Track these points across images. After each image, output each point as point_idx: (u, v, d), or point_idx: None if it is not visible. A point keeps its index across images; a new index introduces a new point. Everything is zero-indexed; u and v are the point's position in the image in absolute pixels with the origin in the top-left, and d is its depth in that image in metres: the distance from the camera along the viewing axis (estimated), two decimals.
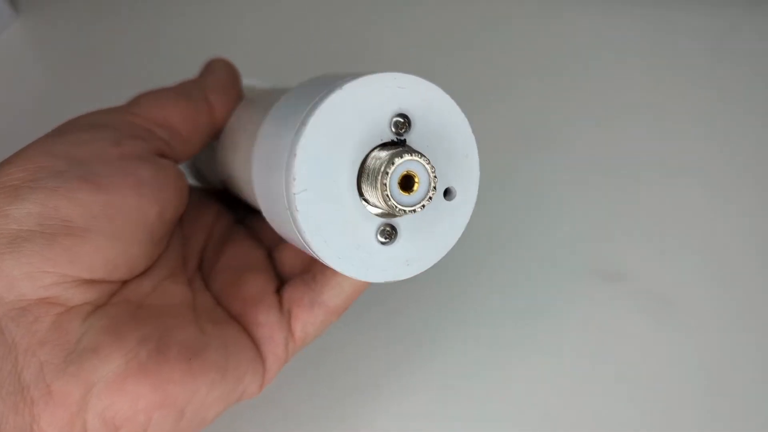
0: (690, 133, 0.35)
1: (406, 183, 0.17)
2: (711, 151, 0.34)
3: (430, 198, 0.17)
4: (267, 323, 0.22)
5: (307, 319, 0.23)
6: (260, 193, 0.20)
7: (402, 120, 0.18)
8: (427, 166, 0.17)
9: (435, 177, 0.17)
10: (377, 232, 0.18)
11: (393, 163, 0.16)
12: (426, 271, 0.19)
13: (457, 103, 0.19)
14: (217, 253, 0.25)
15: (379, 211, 0.18)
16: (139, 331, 0.19)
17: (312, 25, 0.40)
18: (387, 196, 0.16)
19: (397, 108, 0.18)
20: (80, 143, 0.19)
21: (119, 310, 0.20)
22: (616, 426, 0.27)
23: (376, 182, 0.17)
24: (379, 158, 0.17)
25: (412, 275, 0.19)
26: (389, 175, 0.16)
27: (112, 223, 0.19)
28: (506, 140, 0.35)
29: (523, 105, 0.36)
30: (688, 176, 0.33)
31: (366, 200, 0.17)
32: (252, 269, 0.24)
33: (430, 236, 0.19)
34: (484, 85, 0.37)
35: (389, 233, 0.18)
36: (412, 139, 0.18)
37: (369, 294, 0.26)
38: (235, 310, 0.23)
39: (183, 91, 0.23)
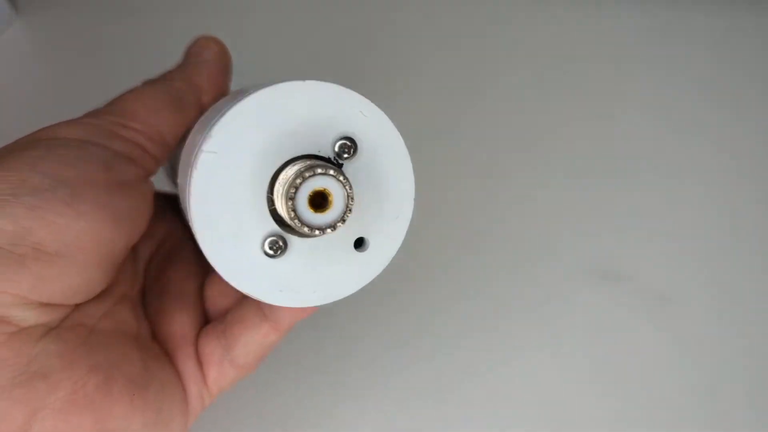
0: (690, 133, 0.35)
1: (318, 201, 0.15)
2: (711, 151, 0.34)
3: (344, 221, 0.15)
4: (185, 372, 0.22)
5: (217, 376, 0.22)
6: (180, 197, 0.19)
7: (349, 143, 0.17)
8: (346, 187, 0.15)
9: (352, 200, 0.15)
10: (265, 240, 0.17)
11: (304, 177, 0.15)
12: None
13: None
14: (158, 272, 0.24)
15: (281, 225, 0.17)
16: (90, 359, 0.19)
17: (312, 26, 0.40)
18: (291, 209, 0.15)
19: (346, 130, 0.17)
20: (69, 163, 0.18)
21: (72, 335, 0.19)
22: (615, 424, 0.27)
23: (283, 191, 0.15)
24: (294, 168, 0.16)
25: (280, 304, 0.17)
26: (298, 188, 0.15)
27: (81, 253, 0.18)
28: (506, 140, 0.34)
29: (522, 105, 0.36)
30: (688, 176, 0.33)
31: (275, 209, 0.16)
32: (182, 303, 0.23)
33: (319, 274, 0.17)
34: (483, 83, 0.37)
35: (278, 247, 0.17)
36: (352, 167, 0.17)
37: (366, 292, 0.26)
38: (166, 346, 0.22)
39: (177, 96, 0.22)
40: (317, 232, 0.15)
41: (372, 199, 0.17)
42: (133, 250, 0.23)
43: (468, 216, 0.31)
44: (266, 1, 0.41)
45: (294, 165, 0.16)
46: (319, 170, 0.15)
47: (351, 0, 0.40)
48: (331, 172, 0.15)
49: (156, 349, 0.22)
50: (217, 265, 0.17)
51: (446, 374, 0.28)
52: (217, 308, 0.24)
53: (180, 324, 0.23)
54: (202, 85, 0.22)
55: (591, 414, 0.27)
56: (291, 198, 0.15)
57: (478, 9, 0.40)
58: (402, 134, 0.18)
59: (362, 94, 0.17)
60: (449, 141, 0.34)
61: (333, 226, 0.15)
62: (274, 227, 0.16)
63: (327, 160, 0.16)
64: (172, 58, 0.23)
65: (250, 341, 0.22)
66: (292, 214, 0.15)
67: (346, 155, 0.17)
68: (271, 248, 0.17)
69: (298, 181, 0.15)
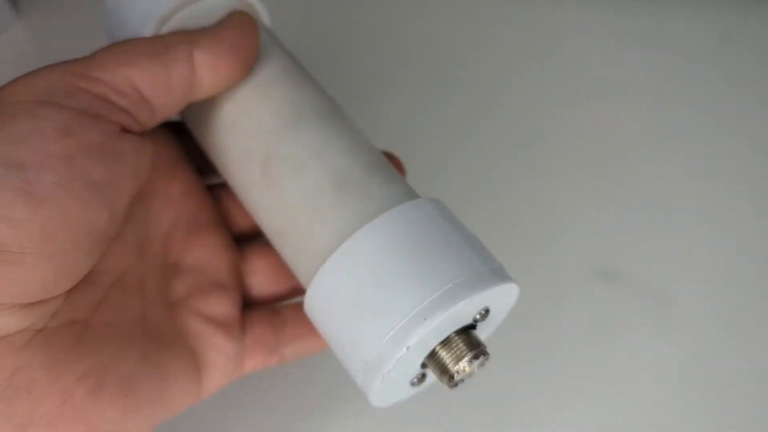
0: (690, 133, 0.35)
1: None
2: (711, 151, 0.34)
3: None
4: (224, 351, 0.21)
5: (261, 363, 0.22)
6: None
7: (484, 312, 0.19)
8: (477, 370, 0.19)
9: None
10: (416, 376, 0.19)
11: (472, 363, 0.18)
12: None
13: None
14: (184, 245, 0.22)
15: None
16: (79, 366, 0.17)
17: (313, 25, 0.40)
18: (458, 371, 0.18)
19: (487, 304, 0.19)
20: (19, 139, 0.16)
21: (61, 339, 0.17)
22: (615, 426, 0.27)
23: (455, 360, 0.18)
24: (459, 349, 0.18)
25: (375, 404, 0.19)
26: (466, 363, 0.18)
27: (51, 242, 0.16)
28: (506, 140, 0.35)
29: (522, 104, 0.36)
30: (688, 176, 0.33)
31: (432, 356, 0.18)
32: (221, 283, 0.22)
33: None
34: (483, 83, 0.37)
35: (421, 379, 0.20)
36: (482, 325, 0.19)
37: None
38: (192, 326, 0.21)
39: (160, 45, 0.19)
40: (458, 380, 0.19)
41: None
42: (146, 215, 0.21)
43: (467, 216, 0.31)
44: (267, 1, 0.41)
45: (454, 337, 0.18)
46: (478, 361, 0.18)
47: (356, 0, 0.40)
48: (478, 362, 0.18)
49: (167, 328, 0.20)
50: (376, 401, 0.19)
51: None
52: (261, 294, 0.23)
53: (220, 306, 0.21)
54: (198, 40, 0.19)
55: (590, 414, 0.27)
56: (459, 367, 0.18)
57: (476, 8, 0.40)
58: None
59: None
60: (448, 140, 0.34)
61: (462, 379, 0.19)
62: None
63: (470, 326, 0.19)
64: None
65: (306, 346, 0.22)
66: (457, 369, 0.18)
67: (480, 319, 0.19)
68: (418, 380, 0.20)
69: (471, 363, 0.18)
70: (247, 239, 0.24)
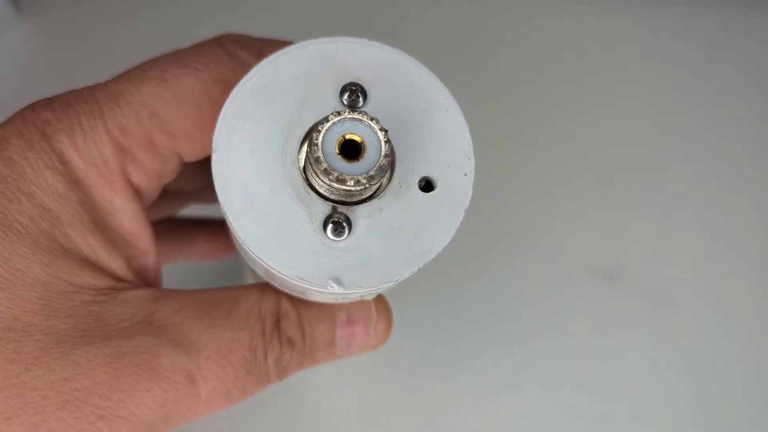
0: (688, 135, 0.35)
1: (349, 150, 0.14)
2: (712, 150, 0.34)
3: (381, 168, 0.14)
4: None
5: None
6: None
7: (354, 88, 0.15)
8: (377, 129, 0.14)
9: (387, 143, 0.14)
10: (324, 221, 0.14)
11: (327, 120, 0.13)
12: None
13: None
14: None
15: (325, 199, 0.15)
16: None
17: (317, 25, 0.40)
18: (319, 158, 0.13)
19: (343, 77, 0.15)
20: None
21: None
22: (615, 425, 0.27)
23: (311, 150, 0.13)
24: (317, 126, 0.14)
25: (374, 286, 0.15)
26: (321, 133, 0.13)
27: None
28: (505, 141, 0.35)
29: (520, 107, 0.36)
30: (688, 176, 0.33)
31: (312, 187, 0.15)
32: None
33: (400, 235, 0.15)
34: (481, 85, 0.37)
35: (341, 227, 0.14)
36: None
37: None
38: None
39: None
40: (351, 179, 0.13)
41: (412, 139, 0.15)
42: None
43: (468, 215, 0.31)
44: (268, 2, 0.42)
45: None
46: (345, 114, 0.14)
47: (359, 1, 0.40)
48: (358, 115, 0.14)
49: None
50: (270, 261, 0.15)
51: (441, 374, 0.28)
52: None
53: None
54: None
55: (591, 414, 0.27)
56: (316, 144, 0.13)
57: (475, 8, 0.40)
58: None
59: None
60: None
61: (370, 174, 0.14)
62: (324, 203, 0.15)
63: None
64: None
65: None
66: (320, 163, 0.13)
67: (357, 104, 0.15)
68: (333, 231, 0.14)
69: (321, 126, 0.13)
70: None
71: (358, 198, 0.15)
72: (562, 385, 0.28)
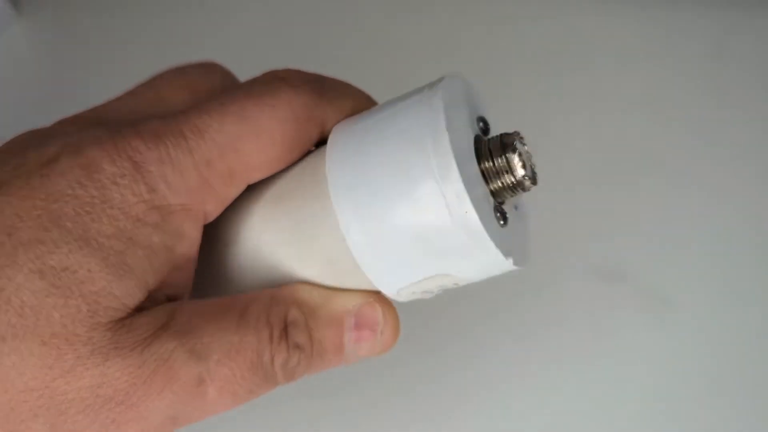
0: (690, 133, 0.35)
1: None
2: (711, 151, 0.34)
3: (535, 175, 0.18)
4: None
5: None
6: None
7: (483, 123, 0.19)
8: (529, 153, 0.18)
9: (533, 166, 0.18)
10: (494, 208, 0.18)
11: (516, 145, 0.18)
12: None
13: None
14: None
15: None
16: None
17: (317, 25, 0.40)
18: (519, 164, 0.17)
19: (478, 111, 0.19)
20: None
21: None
22: (615, 425, 0.27)
23: (502, 160, 0.18)
24: (494, 142, 0.18)
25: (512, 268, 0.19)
26: (517, 151, 0.18)
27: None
28: None
29: (521, 105, 0.36)
30: (688, 176, 0.33)
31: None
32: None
33: (521, 231, 0.19)
34: (485, 85, 0.37)
35: (504, 214, 0.18)
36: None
37: None
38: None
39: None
40: (529, 182, 0.18)
41: None
42: None
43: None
44: (272, 3, 0.41)
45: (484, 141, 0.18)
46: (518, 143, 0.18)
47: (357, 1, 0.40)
48: (521, 144, 0.18)
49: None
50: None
51: (440, 375, 0.28)
52: None
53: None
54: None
55: (591, 414, 0.28)
56: (509, 159, 0.18)
57: (475, 9, 0.40)
58: None
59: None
60: None
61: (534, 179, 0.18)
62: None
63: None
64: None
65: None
66: (517, 169, 0.18)
67: (485, 134, 0.19)
68: (499, 216, 0.18)
69: (517, 145, 0.18)
70: None
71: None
72: (561, 385, 0.28)
